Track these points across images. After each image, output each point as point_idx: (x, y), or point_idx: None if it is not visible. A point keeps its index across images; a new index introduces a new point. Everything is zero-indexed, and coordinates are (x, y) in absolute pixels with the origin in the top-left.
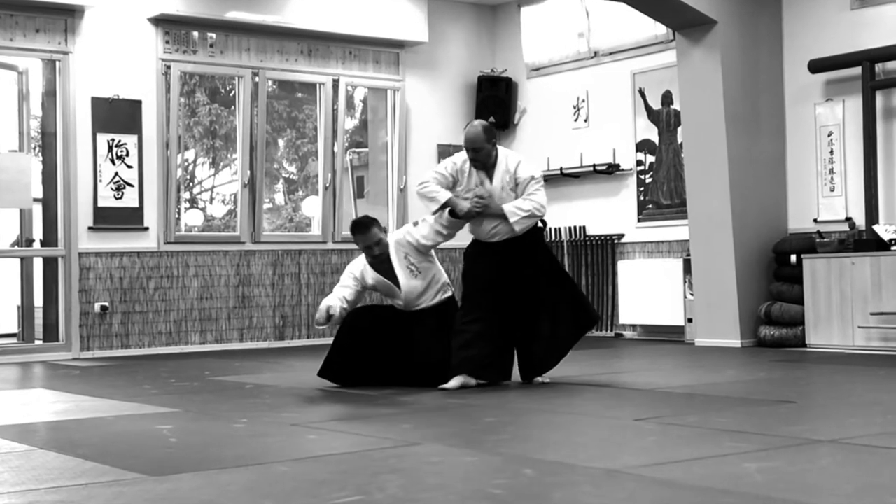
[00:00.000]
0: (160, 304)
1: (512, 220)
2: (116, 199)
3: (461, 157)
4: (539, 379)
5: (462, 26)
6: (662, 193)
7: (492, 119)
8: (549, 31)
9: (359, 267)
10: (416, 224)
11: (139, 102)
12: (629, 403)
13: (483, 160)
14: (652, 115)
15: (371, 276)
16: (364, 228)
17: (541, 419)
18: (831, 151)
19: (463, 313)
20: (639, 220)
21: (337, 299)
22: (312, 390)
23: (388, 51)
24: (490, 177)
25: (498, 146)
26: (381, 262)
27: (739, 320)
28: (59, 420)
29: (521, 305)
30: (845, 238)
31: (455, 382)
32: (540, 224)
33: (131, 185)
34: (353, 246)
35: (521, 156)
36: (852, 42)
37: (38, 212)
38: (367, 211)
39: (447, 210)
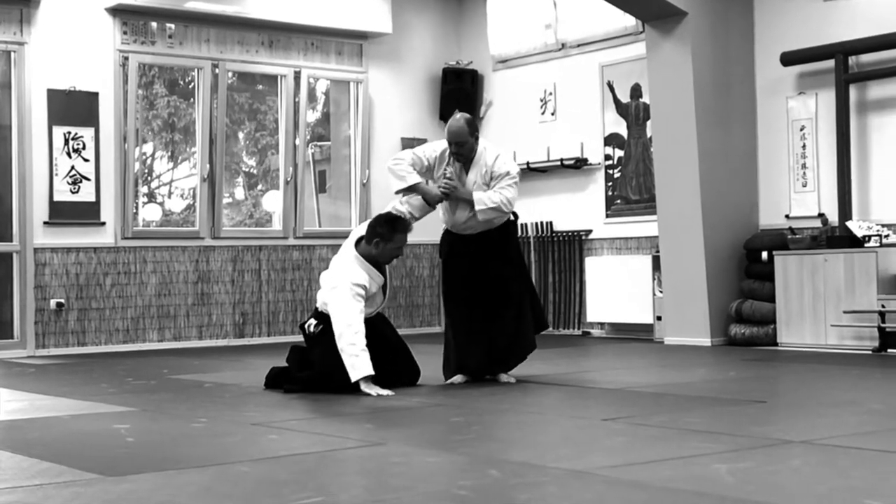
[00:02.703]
0: (117, 301)
1: (477, 207)
2: (73, 193)
3: (441, 146)
4: (505, 377)
5: (427, 17)
6: (631, 188)
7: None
8: (516, 23)
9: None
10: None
11: (96, 94)
12: (597, 403)
13: (466, 154)
14: (621, 108)
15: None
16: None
17: (507, 419)
18: (804, 146)
19: (450, 316)
20: (607, 216)
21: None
22: (273, 389)
23: (350, 42)
24: (467, 170)
25: (480, 139)
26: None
27: (709, 318)
28: (13, 419)
29: (491, 299)
30: (818, 234)
31: (459, 378)
32: (512, 217)
33: (88, 179)
34: (315, 242)
35: (500, 150)
36: (825, 34)
37: None
38: (328, 206)
39: (417, 195)
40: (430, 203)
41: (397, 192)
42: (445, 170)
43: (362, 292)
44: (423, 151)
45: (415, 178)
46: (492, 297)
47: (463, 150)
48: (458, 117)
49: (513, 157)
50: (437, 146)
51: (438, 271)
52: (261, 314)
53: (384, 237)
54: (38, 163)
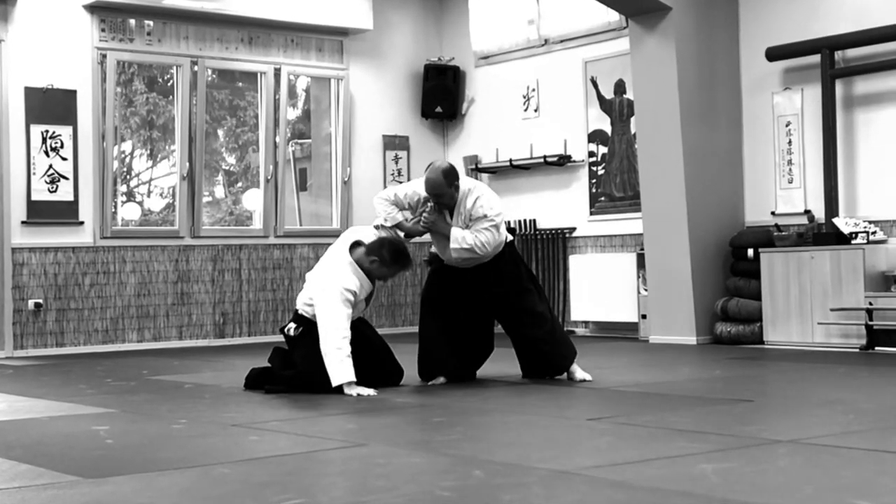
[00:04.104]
0: (96, 301)
1: (452, 245)
2: (51, 192)
3: (423, 190)
4: (580, 374)
5: (408, 13)
6: (615, 186)
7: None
8: (498, 18)
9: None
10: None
11: (74, 92)
12: (582, 402)
13: (447, 203)
14: (604, 104)
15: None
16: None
17: (491, 419)
18: (789, 142)
19: (426, 321)
20: (591, 214)
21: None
22: (253, 390)
23: (331, 38)
24: (450, 215)
25: (462, 182)
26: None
27: (695, 317)
28: None
29: (510, 320)
30: (804, 231)
31: (440, 380)
32: (510, 237)
33: (66, 178)
34: (296, 241)
35: (483, 190)
36: (811, 29)
37: None
38: (309, 205)
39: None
40: (410, 237)
41: (376, 227)
42: (427, 204)
43: (352, 298)
44: (405, 193)
45: (394, 220)
46: (512, 320)
47: (443, 200)
48: (436, 168)
49: (495, 154)
50: (419, 189)
51: (421, 270)
52: (241, 314)
53: (383, 261)
54: (15, 162)
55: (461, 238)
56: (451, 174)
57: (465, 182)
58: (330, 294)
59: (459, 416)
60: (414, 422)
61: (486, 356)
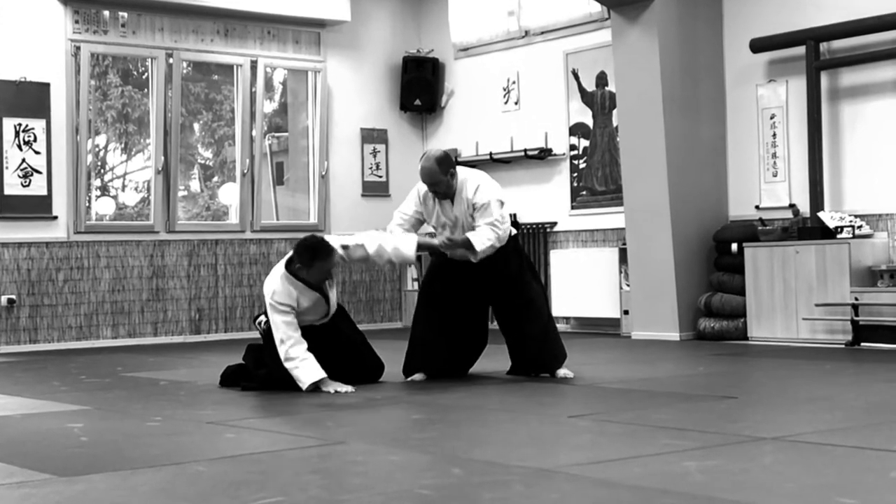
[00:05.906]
0: (70, 297)
1: (479, 248)
2: (24, 186)
3: (421, 186)
4: (562, 372)
5: (386, 4)
6: (597, 179)
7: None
8: (478, 10)
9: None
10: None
11: (47, 85)
12: (563, 400)
13: (444, 191)
14: (586, 97)
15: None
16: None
17: (470, 416)
18: (774, 135)
19: (423, 311)
20: (572, 208)
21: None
22: (229, 387)
23: (308, 30)
24: (452, 203)
25: (459, 170)
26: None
27: (678, 312)
28: None
29: (509, 315)
30: (789, 226)
31: (419, 376)
32: (513, 231)
33: (39, 172)
34: (273, 235)
35: (482, 178)
36: (796, 20)
37: None
38: (286, 199)
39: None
40: (436, 255)
41: (344, 247)
42: (444, 225)
43: (287, 308)
44: (408, 207)
45: (411, 251)
46: (510, 312)
47: (440, 189)
48: (430, 156)
49: (475, 147)
50: (420, 187)
51: (401, 267)
52: (217, 310)
53: (305, 263)
54: None
55: (484, 239)
56: (444, 161)
57: (462, 171)
58: (270, 310)
59: (439, 413)
60: (393, 419)
61: (479, 354)
